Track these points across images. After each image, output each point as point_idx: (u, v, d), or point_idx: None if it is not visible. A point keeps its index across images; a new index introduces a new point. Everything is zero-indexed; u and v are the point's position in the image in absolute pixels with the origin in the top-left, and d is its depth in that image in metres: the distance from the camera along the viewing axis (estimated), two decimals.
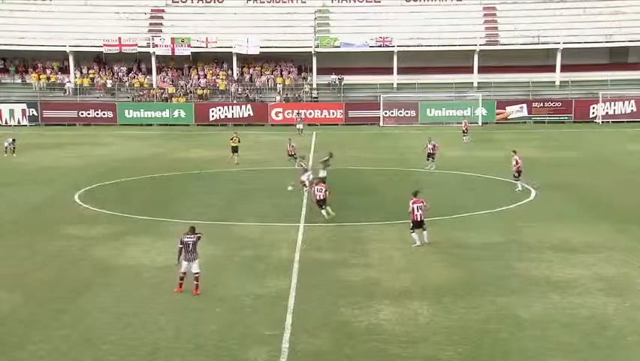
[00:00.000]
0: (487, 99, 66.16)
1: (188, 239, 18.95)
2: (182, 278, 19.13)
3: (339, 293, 19.22)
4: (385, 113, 65.45)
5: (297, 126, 58.70)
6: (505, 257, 22.59)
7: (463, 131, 53.01)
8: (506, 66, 68.61)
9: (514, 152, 34.00)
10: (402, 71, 69.36)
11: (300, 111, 63.69)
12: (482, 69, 68.93)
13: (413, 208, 23.88)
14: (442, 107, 66.26)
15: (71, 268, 21.69)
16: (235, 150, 41.89)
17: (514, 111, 65.97)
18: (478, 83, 68.99)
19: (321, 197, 27.05)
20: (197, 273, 18.97)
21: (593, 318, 17.38)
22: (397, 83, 69.52)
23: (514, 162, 33.33)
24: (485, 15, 73.37)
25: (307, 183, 30.55)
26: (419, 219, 23.89)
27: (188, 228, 19.42)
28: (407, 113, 65.57)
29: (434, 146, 39.82)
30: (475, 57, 69.00)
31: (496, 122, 64.73)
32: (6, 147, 37.71)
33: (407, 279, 20.45)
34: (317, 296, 18.96)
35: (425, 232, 24.02)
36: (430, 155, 39.73)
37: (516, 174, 33.28)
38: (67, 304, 18.55)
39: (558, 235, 25.18)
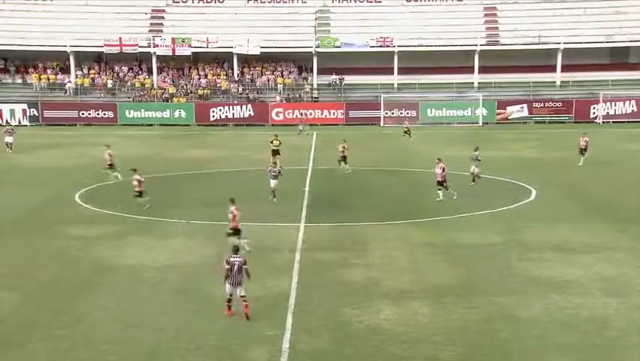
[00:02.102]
0: (487, 99, 66.11)
1: (234, 260, 17.41)
2: (229, 301, 17.51)
3: (340, 293, 19.22)
4: (386, 114, 65.43)
5: (299, 127, 58.51)
6: (505, 257, 22.59)
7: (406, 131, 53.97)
8: (507, 66, 68.54)
9: (439, 159, 31.85)
10: (402, 71, 69.31)
11: (303, 111, 63.64)
12: (483, 69, 68.89)
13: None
14: (442, 108, 66.23)
15: (72, 268, 21.69)
16: (276, 152, 39.39)
17: (515, 111, 65.93)
18: (479, 83, 68.95)
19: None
20: (243, 296, 17.37)
21: (593, 318, 17.39)
22: (398, 83, 69.50)
23: (439, 170, 31.18)
24: (486, 15, 73.34)
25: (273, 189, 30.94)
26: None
27: (232, 247, 18.23)
28: (408, 113, 65.54)
29: (344, 148, 38.27)
30: (476, 57, 68.96)
31: (497, 123, 64.69)
32: (7, 143, 37.44)
33: (407, 279, 20.46)
34: (317, 296, 18.97)
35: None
36: (343, 158, 38.16)
37: (440, 181, 31.30)
38: (68, 304, 18.56)
39: (558, 235, 25.18)
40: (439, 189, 31.25)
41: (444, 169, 31.21)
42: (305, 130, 58.11)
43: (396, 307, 18.04)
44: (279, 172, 31.16)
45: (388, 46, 69.51)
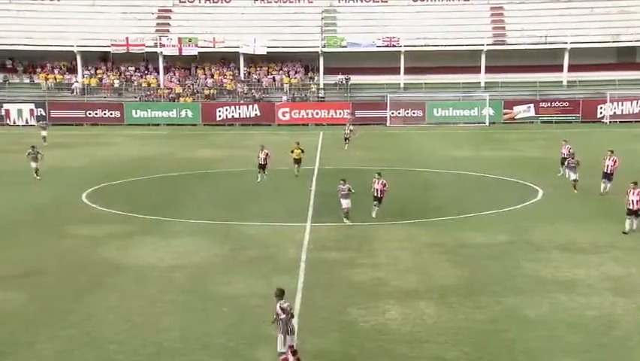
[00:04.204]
0: (494, 99, 66.01)
1: (287, 305, 14.72)
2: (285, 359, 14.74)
3: (346, 293, 19.23)
4: (392, 113, 65.41)
5: (348, 127, 56.82)
6: (511, 257, 22.56)
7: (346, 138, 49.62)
8: (513, 66, 68.44)
9: (379, 174, 28.40)
10: (409, 70, 69.25)
11: (349, 111, 63.42)
12: (489, 69, 68.77)
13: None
14: (449, 107, 66.17)
15: (78, 268, 21.73)
16: (298, 161, 37.81)
17: (522, 111, 65.81)
18: (485, 82, 68.84)
19: None
20: (292, 345, 14.79)
21: (600, 318, 17.36)
22: (404, 83, 69.46)
23: (379, 186, 27.81)
24: (492, 15, 73.24)
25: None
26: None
27: (276, 290, 15.09)
28: (414, 113, 65.50)
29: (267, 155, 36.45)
30: (482, 57, 68.86)
31: (503, 122, 64.60)
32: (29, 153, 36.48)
33: (413, 279, 20.45)
34: (323, 296, 18.98)
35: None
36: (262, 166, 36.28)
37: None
38: (74, 303, 18.60)
39: (565, 234, 25.14)
40: (375, 205, 27.75)
41: (385, 184, 27.88)
42: (355, 130, 57.04)
43: (402, 307, 18.04)
44: (349, 190, 27.01)
45: (394, 46, 69.48)
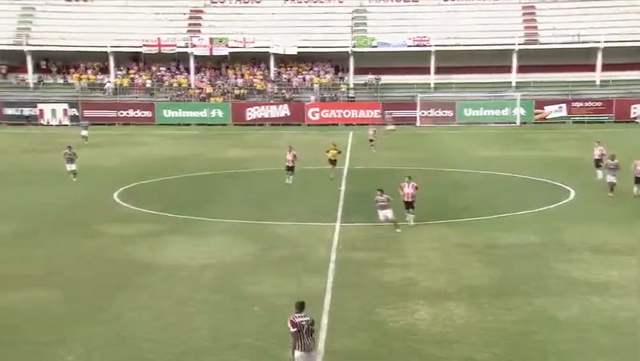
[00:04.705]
0: (525, 99, 65.52)
1: (302, 319, 13.54)
2: None
3: (375, 293, 19.19)
4: (422, 113, 65.18)
5: (387, 127, 57.25)
6: (543, 258, 22.36)
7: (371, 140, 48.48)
8: (545, 65, 67.89)
9: (409, 178, 27.13)
10: (439, 70, 69.00)
11: (389, 111, 63.37)
12: (520, 68, 68.30)
13: None
14: (479, 107, 65.80)
15: (109, 267, 21.90)
16: (333, 162, 37.14)
17: (553, 111, 65.24)
18: (517, 82, 68.35)
19: None
20: None
21: (633, 320, 17.13)
22: (434, 83, 69.17)
23: (411, 190, 26.52)
24: (524, 14, 72.67)
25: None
26: None
27: (295, 304, 13.87)
28: (444, 113, 65.21)
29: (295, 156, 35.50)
30: (514, 56, 68.37)
31: (535, 122, 64.09)
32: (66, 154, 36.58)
33: (443, 279, 20.36)
34: (353, 296, 18.95)
35: None
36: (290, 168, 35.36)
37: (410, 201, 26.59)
38: (105, 302, 18.75)
39: (597, 236, 24.86)
40: (409, 212, 26.53)
41: (417, 187, 26.59)
42: (393, 129, 57.14)
43: (432, 308, 17.96)
44: (389, 200, 25.67)
45: (425, 45, 69.25)
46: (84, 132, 53.40)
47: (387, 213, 25.57)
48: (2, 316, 17.72)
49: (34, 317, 17.61)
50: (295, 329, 13.38)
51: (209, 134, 59.82)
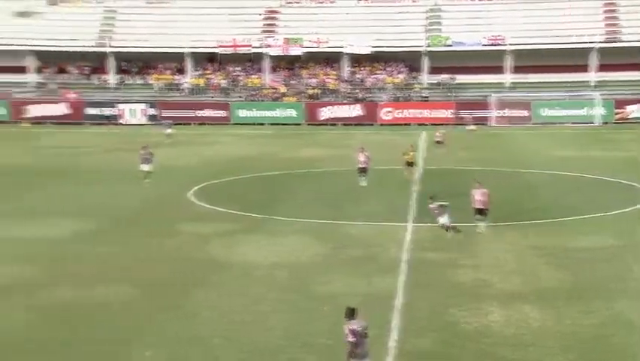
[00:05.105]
0: (605, 98, 63.82)
1: (359, 327, 12.95)
2: None
3: (448, 294, 19.04)
4: (497, 113, 64.22)
5: (469, 127, 56.85)
6: (622, 261, 21.79)
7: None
8: (625, 64, 66.00)
9: (479, 183, 26.10)
10: (514, 69, 67.87)
11: (469, 111, 62.80)
12: (599, 67, 66.58)
13: None
14: (555, 107, 64.44)
15: (185, 264, 22.24)
16: (410, 164, 36.15)
17: (635, 110, 63.37)
18: (596, 81, 66.66)
19: None
20: None
21: None
22: (510, 82, 68.08)
23: (480, 196, 25.44)
24: (605, 12, 70.81)
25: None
26: None
27: (346, 309, 13.24)
28: (520, 112, 64.09)
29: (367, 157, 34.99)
30: (594, 55, 66.72)
31: (615, 122, 62.40)
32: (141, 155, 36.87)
33: (517, 281, 20.04)
34: (424, 297, 18.84)
35: None
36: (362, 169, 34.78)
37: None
38: (181, 299, 19.04)
39: None
40: (480, 218, 25.23)
41: (488, 195, 25.30)
42: (474, 129, 56.77)
43: (506, 310, 17.70)
44: (442, 206, 24.81)
45: (500, 44, 68.24)
46: (168, 130, 54.86)
47: (443, 220, 24.82)
48: (83, 311, 18.21)
49: (112, 313, 18.01)
50: (355, 339, 12.88)
51: (283, 133, 60.27)
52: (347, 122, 65.46)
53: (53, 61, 72.46)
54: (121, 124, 66.75)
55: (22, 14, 73.59)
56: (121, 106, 68.23)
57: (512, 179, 36.37)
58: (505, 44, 67.96)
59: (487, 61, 67.88)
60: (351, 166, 36.98)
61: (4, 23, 72.20)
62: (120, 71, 73.47)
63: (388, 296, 18.75)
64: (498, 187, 34.00)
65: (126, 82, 72.99)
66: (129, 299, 19.10)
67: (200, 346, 15.99)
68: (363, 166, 34.97)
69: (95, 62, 73.34)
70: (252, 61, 73.13)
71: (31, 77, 72.38)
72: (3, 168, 41.47)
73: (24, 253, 23.22)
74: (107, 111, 68.07)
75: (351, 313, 13.09)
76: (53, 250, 23.86)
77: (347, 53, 70.17)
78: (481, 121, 63.25)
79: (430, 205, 25.38)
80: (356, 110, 66.19)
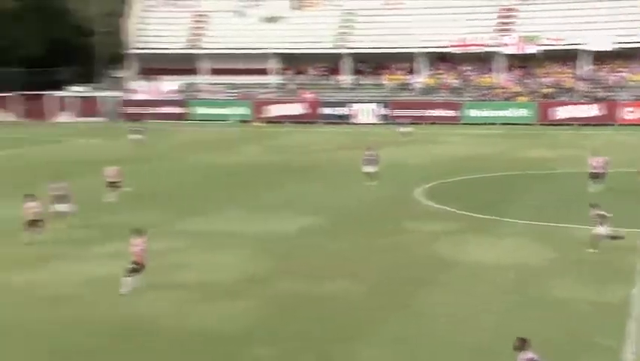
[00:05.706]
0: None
1: (535, 356, 12.39)
2: None
3: None
4: None
5: None
6: None
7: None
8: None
9: None
10: None
11: None
12: None
13: None
14: None
15: (412, 263, 22.46)
16: None
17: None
18: None
19: None
20: None
21: None
22: None
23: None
24: None
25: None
26: None
27: (516, 340, 12.62)
28: None
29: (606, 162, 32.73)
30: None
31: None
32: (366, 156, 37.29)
33: None
34: None
35: None
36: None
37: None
38: (409, 298, 19.27)
39: None
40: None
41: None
42: None
43: None
44: (599, 215, 23.39)
45: None
46: (406, 129, 57.06)
47: (600, 230, 23.13)
48: (313, 304, 18.92)
49: (344, 309, 18.48)
50: None
51: (514, 133, 58.91)
52: (583, 122, 62.65)
53: (293, 62, 76.20)
54: (353, 123, 68.68)
55: (270, 19, 78.13)
56: (354, 106, 70.26)
57: None
58: None
59: None
60: (583, 168, 35.42)
61: (253, 28, 77.06)
62: (355, 71, 75.64)
63: (622, 304, 17.85)
64: None
65: (361, 82, 75.01)
66: (361, 294, 19.57)
67: (427, 346, 16.12)
68: (596, 172, 33.13)
69: (330, 63, 76.08)
70: (482, 60, 72.18)
71: (273, 79, 76.52)
72: (242, 166, 44.14)
73: (261, 247, 24.46)
74: (339, 110, 70.43)
75: (521, 345, 12.46)
76: (285, 244, 24.89)
77: (586, 50, 67.07)
78: None
79: (591, 213, 23.73)
80: (593, 110, 63.16)
